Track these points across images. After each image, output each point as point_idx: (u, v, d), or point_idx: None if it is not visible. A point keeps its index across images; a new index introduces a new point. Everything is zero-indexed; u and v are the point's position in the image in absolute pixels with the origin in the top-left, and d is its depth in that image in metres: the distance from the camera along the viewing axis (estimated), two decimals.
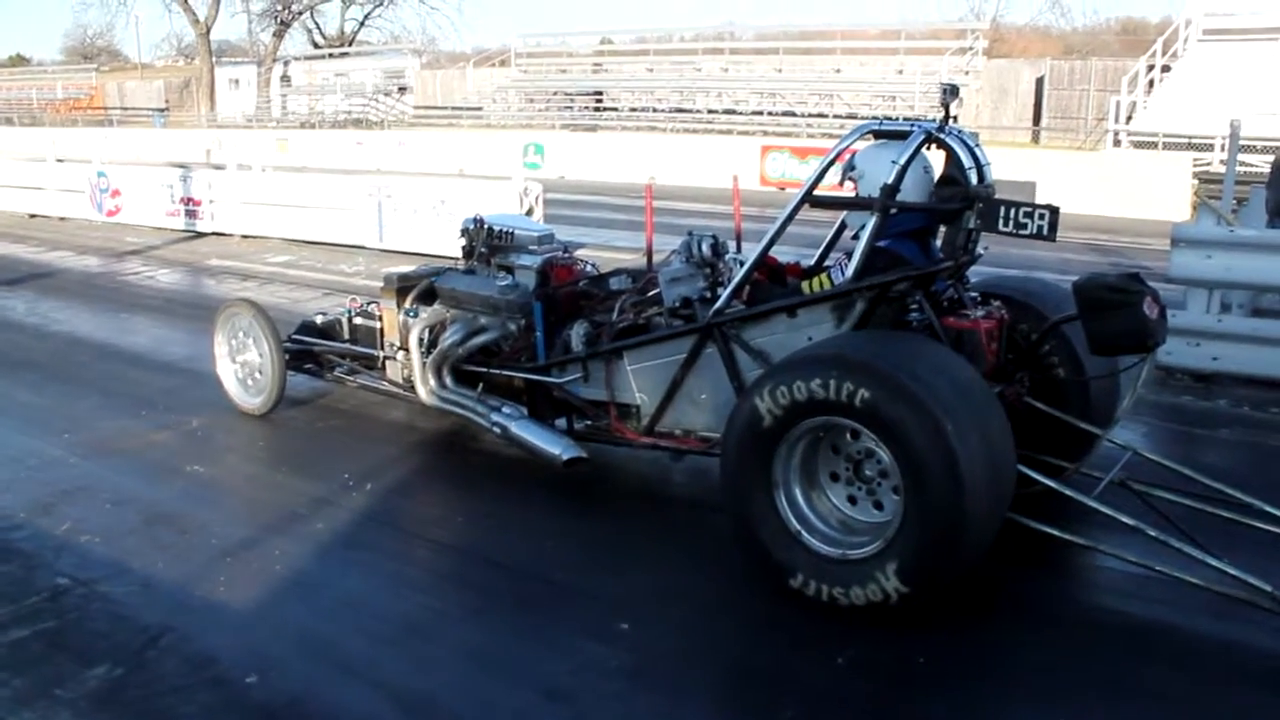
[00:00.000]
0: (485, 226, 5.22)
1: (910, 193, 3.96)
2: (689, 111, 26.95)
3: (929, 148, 4.01)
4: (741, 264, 4.33)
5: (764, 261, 4.31)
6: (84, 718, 3.08)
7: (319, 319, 6.07)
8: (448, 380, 5.17)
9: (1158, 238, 10.27)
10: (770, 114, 25.58)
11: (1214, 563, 3.41)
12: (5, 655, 3.39)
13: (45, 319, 8.74)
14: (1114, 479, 3.97)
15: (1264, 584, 3.32)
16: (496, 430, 4.86)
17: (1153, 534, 3.52)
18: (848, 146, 4.20)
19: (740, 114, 26.10)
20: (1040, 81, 24.75)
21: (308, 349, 5.95)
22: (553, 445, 4.64)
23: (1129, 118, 20.57)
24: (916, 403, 3.31)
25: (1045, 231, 3.78)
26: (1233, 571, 3.37)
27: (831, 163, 4.17)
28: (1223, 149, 15.97)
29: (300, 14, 42.20)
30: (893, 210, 3.93)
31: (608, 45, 35.52)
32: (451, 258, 6.08)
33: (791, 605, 3.61)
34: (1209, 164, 16.92)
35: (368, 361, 5.75)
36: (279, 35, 41.28)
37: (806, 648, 3.44)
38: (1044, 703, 3.17)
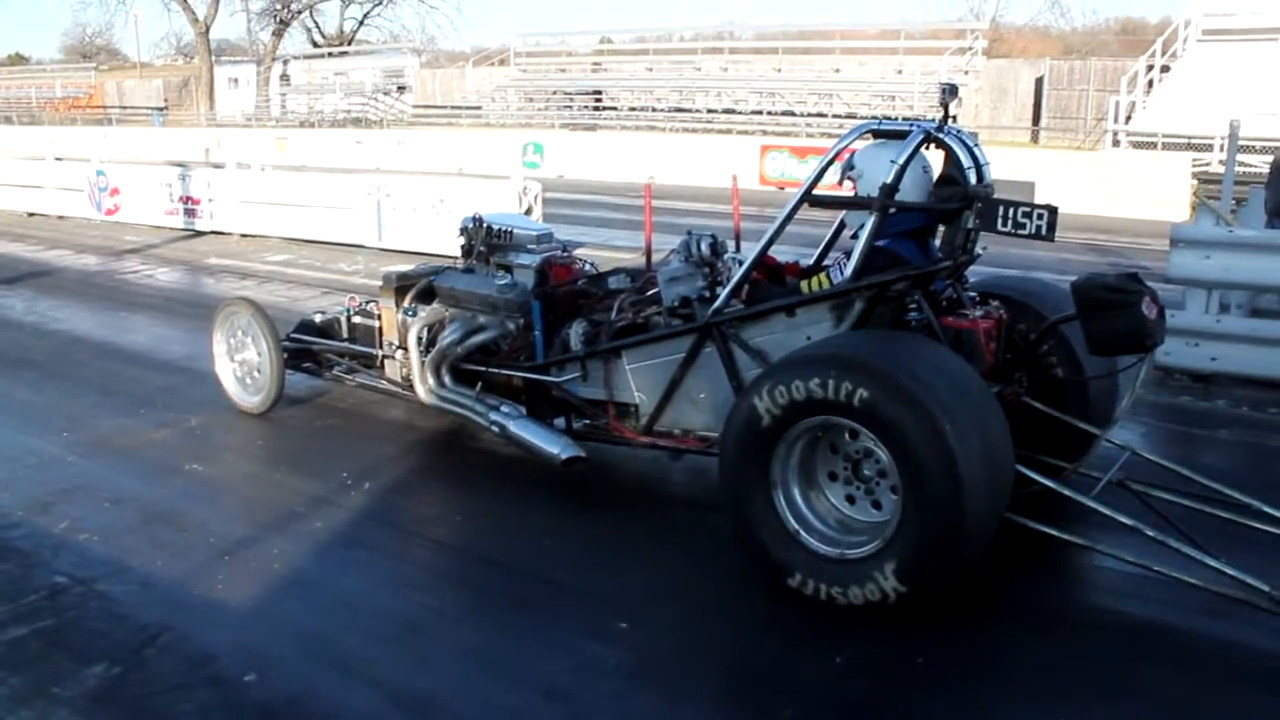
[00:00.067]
0: (484, 225, 5.22)
1: (909, 192, 3.96)
2: (688, 111, 26.95)
3: (928, 147, 4.01)
4: (740, 263, 4.34)
5: (763, 261, 4.31)
6: (82, 716, 3.08)
7: (318, 318, 6.07)
8: (446, 379, 5.17)
9: (1156, 238, 10.27)
10: (769, 113, 25.60)
11: (1212, 563, 3.41)
12: (3, 654, 3.39)
13: (44, 317, 8.74)
14: (1112, 479, 3.97)
15: (1262, 584, 3.32)
16: (495, 429, 4.86)
17: (1151, 534, 3.52)
18: (847, 146, 4.20)
19: (739, 114, 26.10)
20: (1039, 81, 24.76)
21: (306, 348, 5.95)
22: (551, 444, 4.64)
23: (1128, 118, 20.58)
24: (915, 402, 3.31)
25: (1044, 231, 3.79)
26: (1231, 571, 3.37)
27: (830, 162, 4.17)
28: (1222, 149, 15.97)
29: (299, 13, 42.23)
30: (891, 210, 3.93)
31: (607, 45, 35.53)
32: (450, 257, 6.07)
33: (790, 605, 3.61)
34: (1208, 164, 16.92)
35: (366, 360, 5.75)
36: (278, 34, 41.31)
37: (805, 647, 3.44)
38: (1042, 702, 3.17)
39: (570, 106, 28.94)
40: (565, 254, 5.25)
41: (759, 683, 3.27)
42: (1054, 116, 24.17)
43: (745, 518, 3.72)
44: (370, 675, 3.30)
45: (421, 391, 5.20)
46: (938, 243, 4.13)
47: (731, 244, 4.73)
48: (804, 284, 4.18)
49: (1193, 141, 18.04)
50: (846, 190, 4.17)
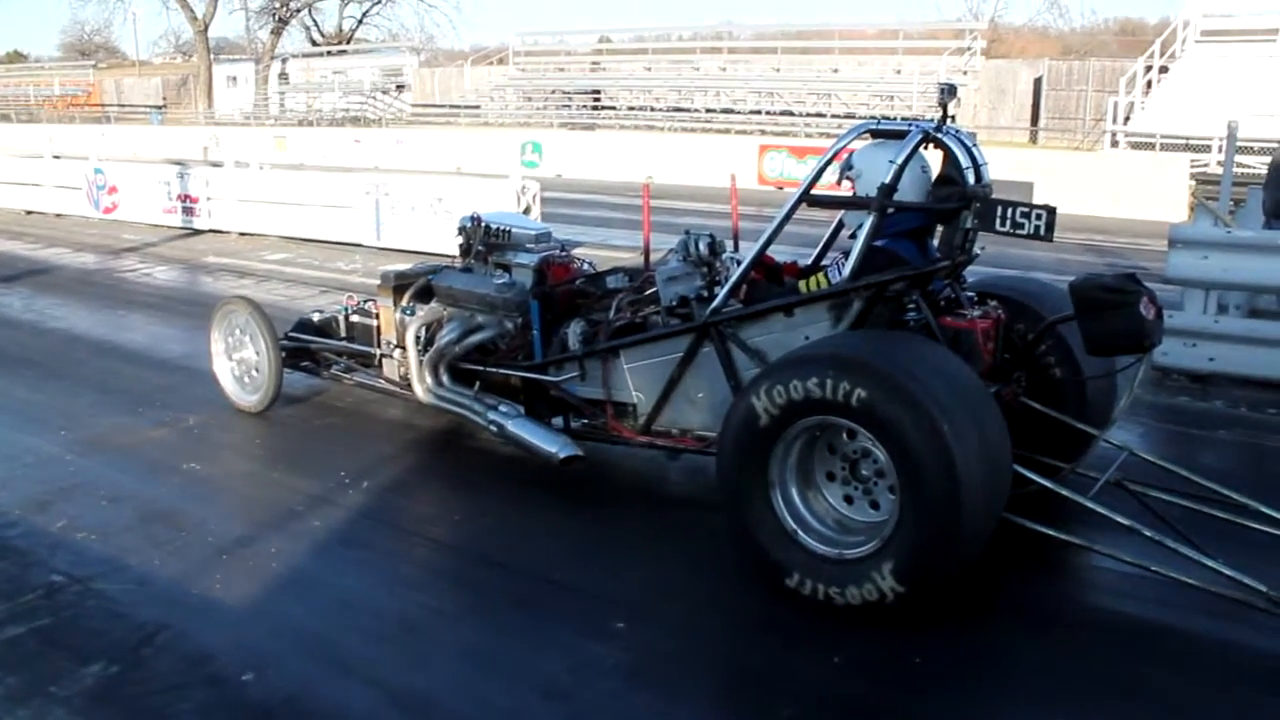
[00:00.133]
0: (483, 225, 5.22)
1: (908, 192, 3.97)
2: (687, 110, 26.93)
3: (927, 147, 4.01)
4: (739, 263, 4.34)
5: (761, 260, 4.31)
6: (79, 715, 3.07)
7: (316, 316, 6.07)
8: (444, 378, 5.16)
9: (1155, 238, 10.27)
10: (768, 113, 25.59)
11: (1210, 563, 3.41)
12: (0, 653, 3.38)
13: (42, 316, 8.73)
14: (1110, 479, 3.97)
15: (1260, 584, 3.32)
16: (493, 428, 4.86)
17: (1149, 534, 3.53)
18: (845, 146, 4.20)
19: (738, 113, 26.09)
20: (1038, 82, 24.75)
21: (304, 347, 5.94)
22: (549, 444, 4.64)
23: (1127, 118, 20.57)
24: (913, 402, 3.31)
25: (1042, 231, 3.78)
26: (1229, 572, 3.37)
27: (829, 162, 4.17)
28: (1220, 150, 15.97)
29: (298, 11, 42.19)
30: (890, 210, 3.93)
31: (606, 44, 35.51)
32: (449, 256, 6.06)
33: (788, 605, 3.61)
34: (1206, 165, 16.93)
35: (364, 359, 5.74)
36: (277, 33, 41.28)
37: (802, 647, 3.44)
38: (1040, 702, 3.17)
39: (569, 106, 28.95)
40: (563, 253, 5.24)
41: (757, 682, 3.27)
42: (1052, 117, 24.16)
43: (743, 517, 3.72)
44: (368, 674, 3.30)
45: (419, 390, 5.19)
46: (936, 243, 4.13)
47: (730, 243, 4.73)
48: (802, 284, 4.18)
49: (1191, 142, 18.04)
50: (845, 190, 4.17)
